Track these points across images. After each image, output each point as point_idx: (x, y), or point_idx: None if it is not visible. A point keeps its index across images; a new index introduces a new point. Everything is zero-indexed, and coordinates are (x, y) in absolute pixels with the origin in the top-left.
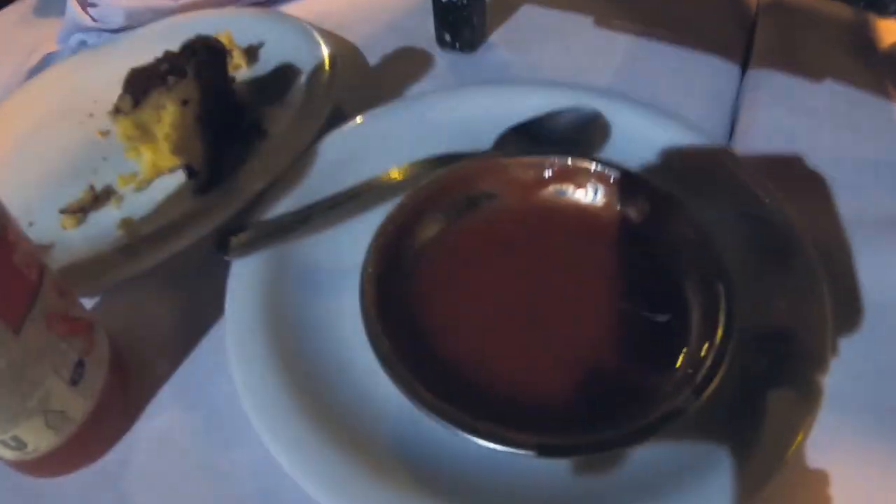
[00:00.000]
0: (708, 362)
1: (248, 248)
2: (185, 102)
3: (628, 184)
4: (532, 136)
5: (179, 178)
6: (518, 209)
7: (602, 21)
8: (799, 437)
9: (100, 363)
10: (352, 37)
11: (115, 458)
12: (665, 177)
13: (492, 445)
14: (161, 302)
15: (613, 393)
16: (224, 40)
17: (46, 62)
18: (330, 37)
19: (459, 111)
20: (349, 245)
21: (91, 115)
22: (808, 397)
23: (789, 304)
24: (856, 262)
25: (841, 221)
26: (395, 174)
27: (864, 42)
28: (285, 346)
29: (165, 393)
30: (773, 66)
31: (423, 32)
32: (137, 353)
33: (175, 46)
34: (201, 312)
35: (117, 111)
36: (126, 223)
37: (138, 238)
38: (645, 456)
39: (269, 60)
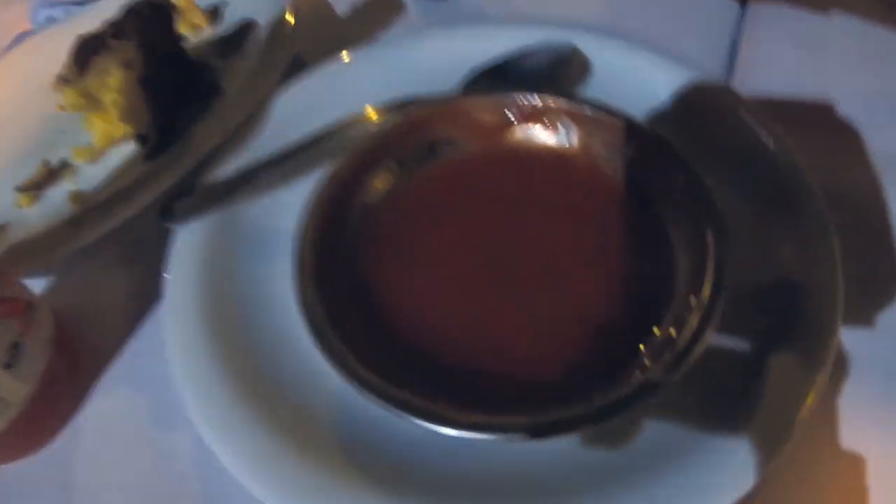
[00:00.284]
0: (694, 321)
1: (191, 214)
2: (129, 65)
3: (606, 122)
4: (502, 78)
5: (134, 146)
6: (482, 156)
7: None
8: (808, 402)
9: (40, 345)
10: None
11: (63, 443)
12: (655, 117)
13: (448, 431)
14: (113, 280)
15: (590, 360)
16: (184, 4)
17: (18, 41)
18: None
19: (425, 56)
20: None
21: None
22: (816, 358)
23: (795, 256)
24: (873, 209)
25: (854, 164)
26: (345, 125)
27: None
28: (223, 322)
29: (113, 373)
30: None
31: None
32: (87, 334)
33: None
34: (148, 285)
35: (62, 80)
36: (76, 196)
37: (86, 209)
38: (637, 429)
39: (232, 18)
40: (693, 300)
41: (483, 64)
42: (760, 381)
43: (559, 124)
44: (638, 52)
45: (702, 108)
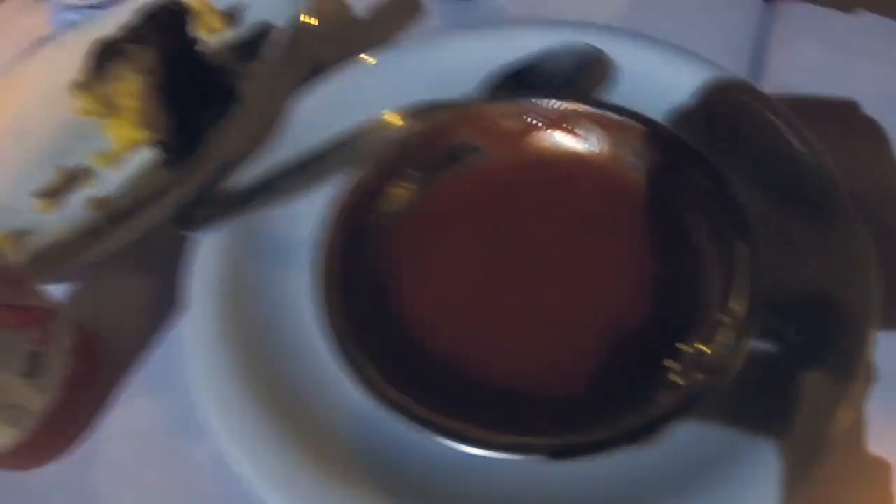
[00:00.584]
0: (725, 336)
1: (211, 223)
2: (146, 71)
3: (630, 127)
4: (525, 81)
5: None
6: (505, 162)
7: None
8: (842, 416)
9: (61, 354)
10: None
11: (85, 451)
12: (680, 119)
13: (470, 449)
14: (133, 287)
15: (616, 375)
16: (196, 3)
17: (37, 46)
18: None
19: (446, 58)
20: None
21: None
22: (849, 372)
23: (827, 266)
24: None
25: (880, 164)
26: (366, 131)
27: None
28: (243, 332)
29: (135, 382)
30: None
31: None
32: (108, 342)
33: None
34: (168, 295)
35: (79, 85)
36: (98, 202)
37: (108, 217)
38: (663, 445)
39: (250, 20)
40: (723, 314)
41: (505, 67)
42: (793, 397)
43: (583, 129)
44: (662, 52)
45: (727, 109)
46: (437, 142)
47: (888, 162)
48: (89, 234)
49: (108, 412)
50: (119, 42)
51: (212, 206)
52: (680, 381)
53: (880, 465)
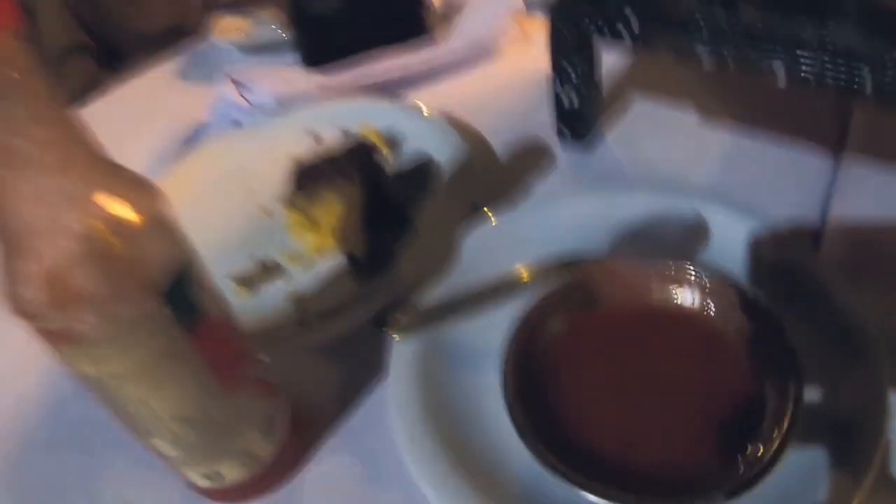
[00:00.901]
0: (774, 444)
1: (405, 327)
2: (348, 198)
3: (718, 286)
4: (643, 240)
5: (338, 259)
6: (629, 308)
7: (704, 116)
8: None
9: (283, 415)
10: (479, 122)
11: (289, 491)
12: (753, 277)
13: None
14: (326, 363)
15: (704, 463)
16: (373, 137)
17: (198, 133)
18: (461, 127)
19: (578, 214)
20: (488, 329)
21: (252, 191)
22: (862, 471)
23: (855, 393)
24: None
25: None
26: (526, 274)
27: None
28: (439, 413)
29: (332, 442)
30: (866, 161)
31: (548, 127)
32: (310, 408)
33: (319, 129)
34: (361, 374)
35: (291, 204)
36: (295, 297)
37: (309, 314)
38: None
39: (410, 152)
40: (776, 426)
41: (628, 228)
42: (818, 488)
43: (685, 287)
44: (744, 217)
45: (789, 267)
46: (579, 290)
47: None
48: (292, 325)
49: (311, 463)
50: (322, 168)
51: (405, 314)
52: (743, 468)
53: None
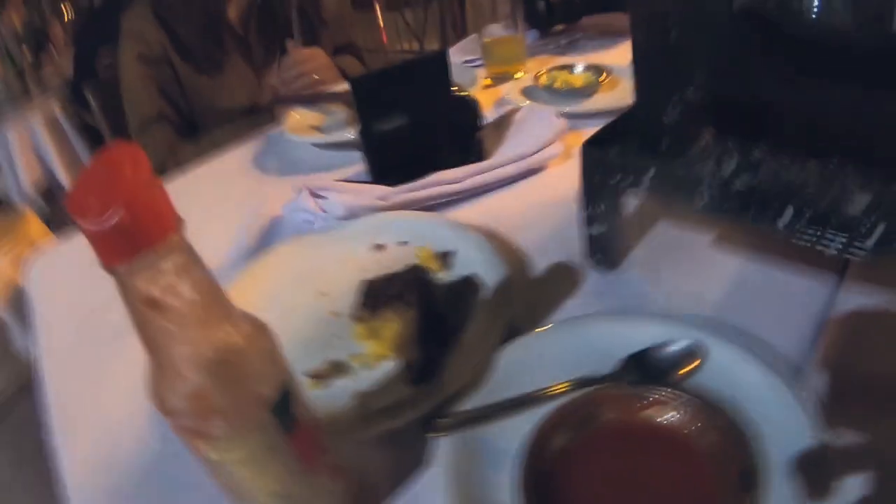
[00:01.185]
0: None
1: (445, 428)
2: (406, 319)
3: (698, 412)
4: (645, 363)
5: (395, 365)
6: (621, 426)
7: (718, 244)
8: None
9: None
10: (519, 238)
11: None
12: (737, 404)
13: None
14: (382, 453)
15: None
16: (428, 259)
17: (275, 226)
18: (503, 243)
19: (591, 336)
20: (515, 434)
21: (323, 294)
22: None
23: None
24: None
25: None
26: (549, 390)
27: None
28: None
29: None
30: (862, 289)
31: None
32: (368, 489)
33: (381, 239)
34: (408, 463)
35: (358, 318)
36: (358, 395)
37: (369, 410)
38: None
39: (457, 268)
40: None
41: (634, 350)
42: None
43: (673, 409)
44: (739, 349)
45: (771, 389)
46: (584, 408)
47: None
48: (353, 420)
49: None
50: (385, 288)
51: (447, 420)
52: None
53: None
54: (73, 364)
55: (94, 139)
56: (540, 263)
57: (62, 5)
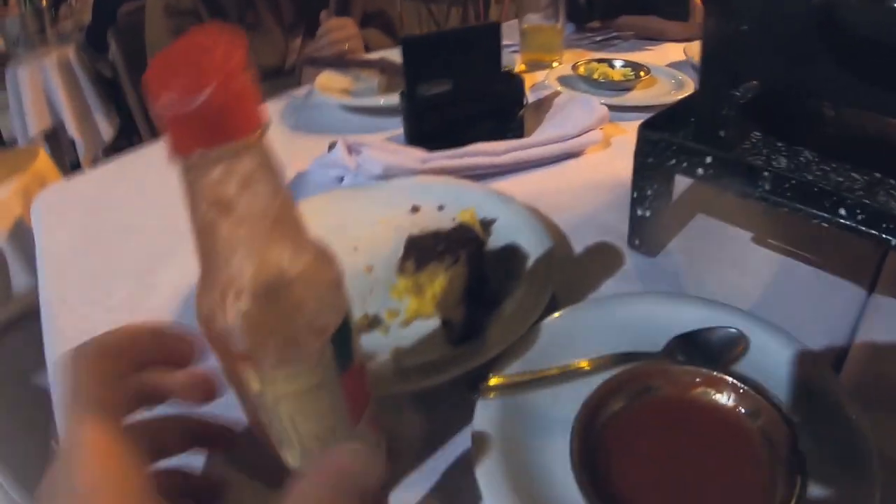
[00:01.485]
0: None
1: (490, 390)
2: (453, 276)
3: (748, 393)
4: (691, 344)
5: (432, 323)
6: (674, 400)
7: (758, 239)
8: None
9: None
10: (558, 217)
11: None
12: (780, 389)
13: None
14: (416, 410)
15: None
16: (468, 217)
17: (299, 179)
18: (543, 219)
19: (638, 314)
20: (558, 402)
21: (356, 248)
22: None
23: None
24: None
25: None
26: (589, 363)
27: None
28: (514, 467)
29: (414, 478)
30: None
31: (620, 230)
32: (399, 444)
33: (418, 201)
34: (444, 424)
35: (401, 270)
36: (394, 351)
37: (405, 366)
38: None
39: (497, 236)
40: None
41: (679, 332)
42: None
43: (723, 390)
44: (780, 339)
45: (809, 384)
46: (636, 381)
47: None
48: (391, 374)
49: (397, 488)
50: (431, 242)
51: (491, 382)
52: None
53: None
54: (73, 296)
55: (105, 89)
56: (577, 244)
57: None
